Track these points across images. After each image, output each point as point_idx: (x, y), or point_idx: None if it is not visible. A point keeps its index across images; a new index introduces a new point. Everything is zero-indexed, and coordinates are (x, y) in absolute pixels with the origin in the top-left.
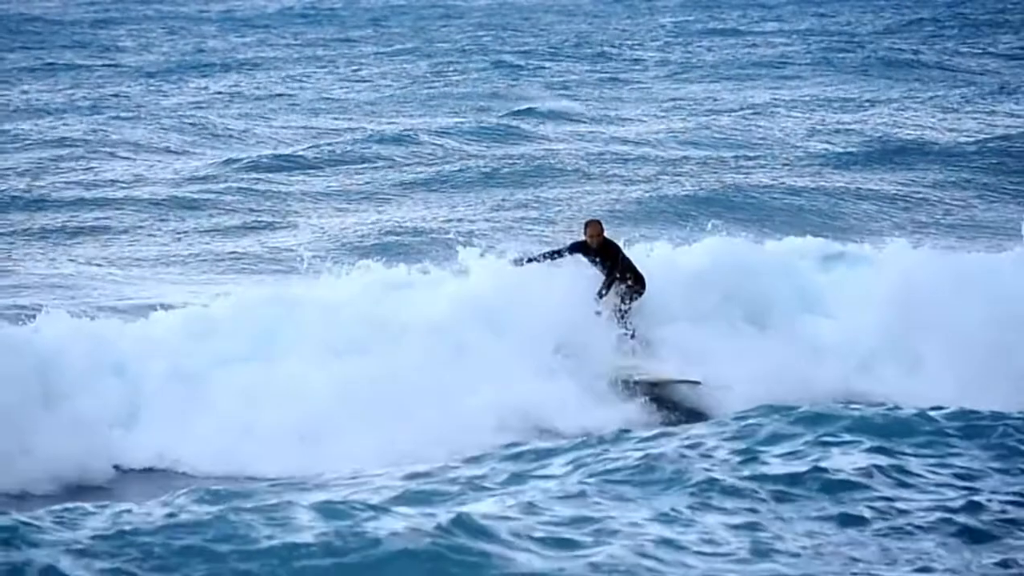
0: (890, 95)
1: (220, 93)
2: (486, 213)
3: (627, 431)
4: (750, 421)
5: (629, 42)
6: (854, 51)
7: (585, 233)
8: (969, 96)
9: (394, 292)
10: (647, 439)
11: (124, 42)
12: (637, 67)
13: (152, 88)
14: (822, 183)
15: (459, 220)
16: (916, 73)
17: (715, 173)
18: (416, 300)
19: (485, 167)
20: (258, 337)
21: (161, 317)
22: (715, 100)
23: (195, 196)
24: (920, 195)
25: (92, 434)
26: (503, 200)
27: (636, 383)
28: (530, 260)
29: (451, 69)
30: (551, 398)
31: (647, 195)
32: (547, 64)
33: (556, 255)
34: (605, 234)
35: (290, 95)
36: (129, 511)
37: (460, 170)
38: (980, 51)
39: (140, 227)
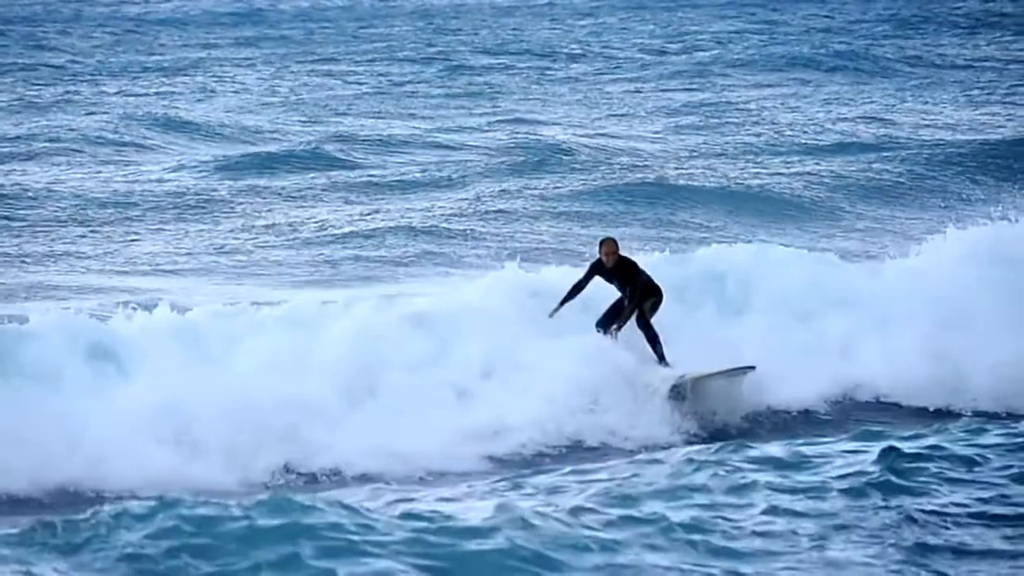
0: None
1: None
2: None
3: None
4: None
5: (584, 43)
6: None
7: (600, 252)
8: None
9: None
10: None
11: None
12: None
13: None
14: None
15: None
16: (858, 70)
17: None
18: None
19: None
20: None
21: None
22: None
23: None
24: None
25: None
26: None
27: (690, 383)
28: (561, 305)
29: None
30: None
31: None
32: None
33: (579, 287)
34: (620, 252)
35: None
36: None
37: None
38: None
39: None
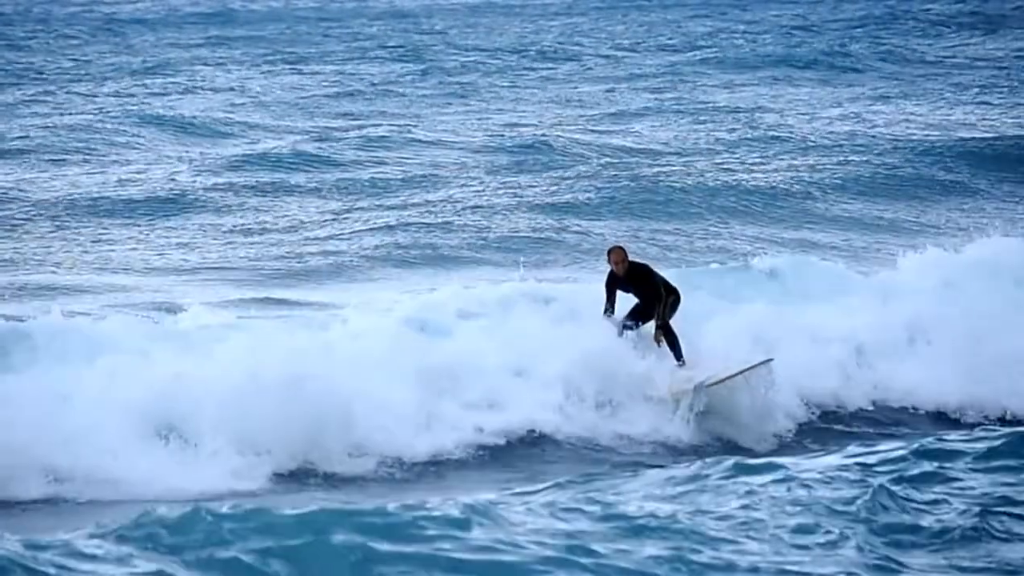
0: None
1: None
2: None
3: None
4: None
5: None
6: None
7: (608, 261)
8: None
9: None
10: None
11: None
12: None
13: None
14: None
15: None
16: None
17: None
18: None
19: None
20: None
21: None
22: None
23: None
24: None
25: None
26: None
27: (707, 388)
28: (616, 323)
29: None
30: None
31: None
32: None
33: (610, 303)
34: (630, 258)
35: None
36: None
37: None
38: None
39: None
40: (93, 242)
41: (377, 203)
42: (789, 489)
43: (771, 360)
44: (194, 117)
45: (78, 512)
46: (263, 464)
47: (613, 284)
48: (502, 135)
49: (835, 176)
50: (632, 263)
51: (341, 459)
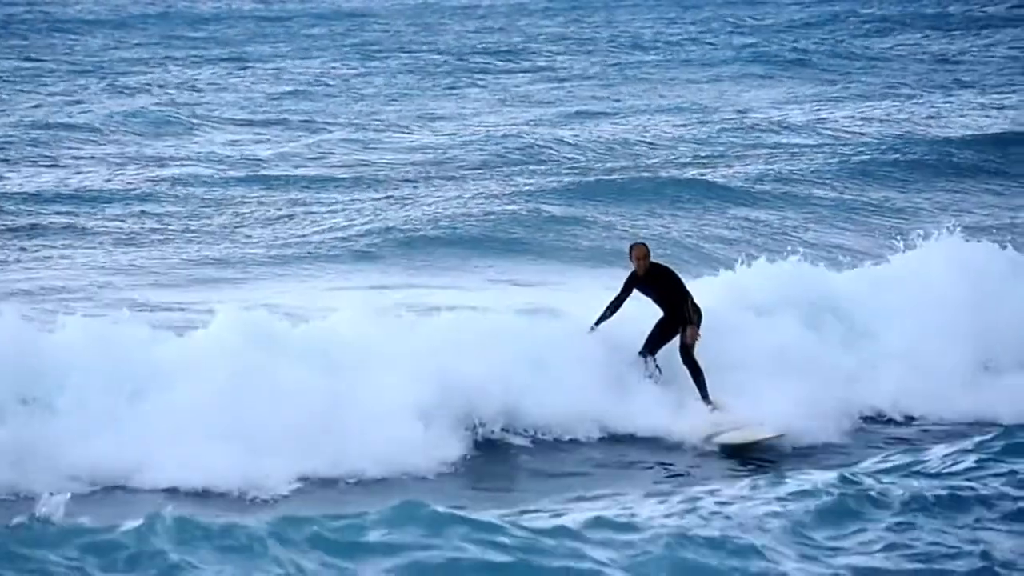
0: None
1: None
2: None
3: None
4: None
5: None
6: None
7: (630, 258)
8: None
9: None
10: None
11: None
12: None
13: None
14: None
15: None
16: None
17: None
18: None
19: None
20: None
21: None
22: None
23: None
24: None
25: None
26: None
27: (717, 447)
28: (599, 322)
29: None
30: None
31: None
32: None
33: (617, 304)
34: (652, 258)
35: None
36: None
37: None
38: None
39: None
40: (31, 238)
41: (324, 201)
42: None
43: (782, 436)
44: (133, 115)
45: None
46: None
47: (631, 284)
48: (455, 134)
49: (810, 170)
50: (655, 264)
51: None
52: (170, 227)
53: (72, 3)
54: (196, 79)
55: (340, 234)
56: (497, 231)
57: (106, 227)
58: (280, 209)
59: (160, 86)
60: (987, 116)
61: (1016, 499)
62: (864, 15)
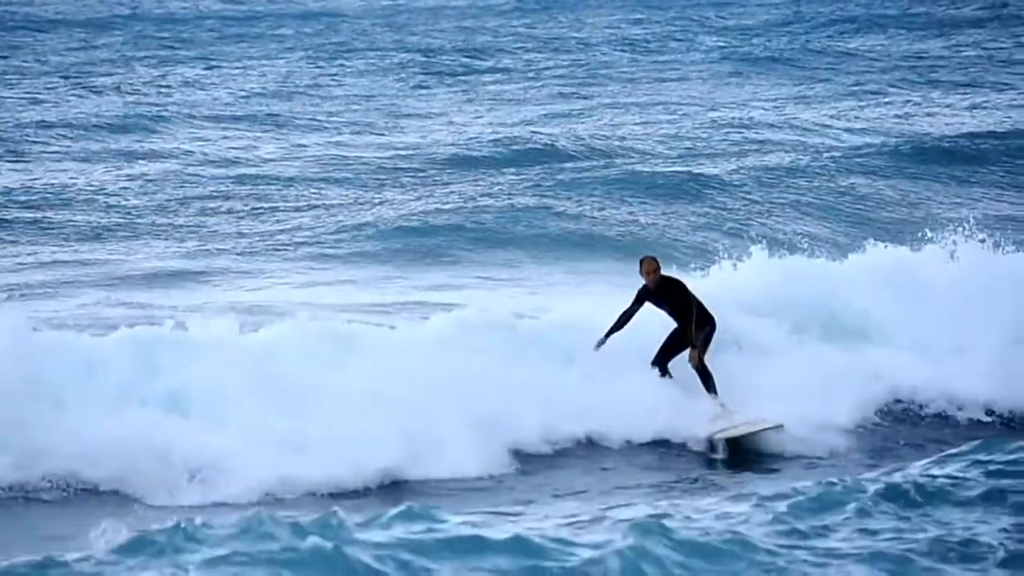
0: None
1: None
2: None
3: None
4: None
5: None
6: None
7: (640, 272)
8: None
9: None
10: None
11: None
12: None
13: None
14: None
15: None
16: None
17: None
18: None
19: None
20: None
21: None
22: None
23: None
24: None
25: None
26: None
27: (723, 442)
28: (607, 336)
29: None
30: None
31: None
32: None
33: (627, 316)
34: (663, 271)
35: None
36: None
37: None
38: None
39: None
40: None
41: (291, 199)
42: None
43: (781, 426)
44: (100, 114)
45: None
46: None
47: (643, 298)
48: (424, 133)
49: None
50: (665, 276)
51: None
52: (138, 222)
53: (39, 3)
54: (164, 79)
55: (308, 233)
56: (471, 225)
57: (74, 222)
58: (247, 206)
59: (129, 85)
60: (956, 115)
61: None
62: (832, 15)
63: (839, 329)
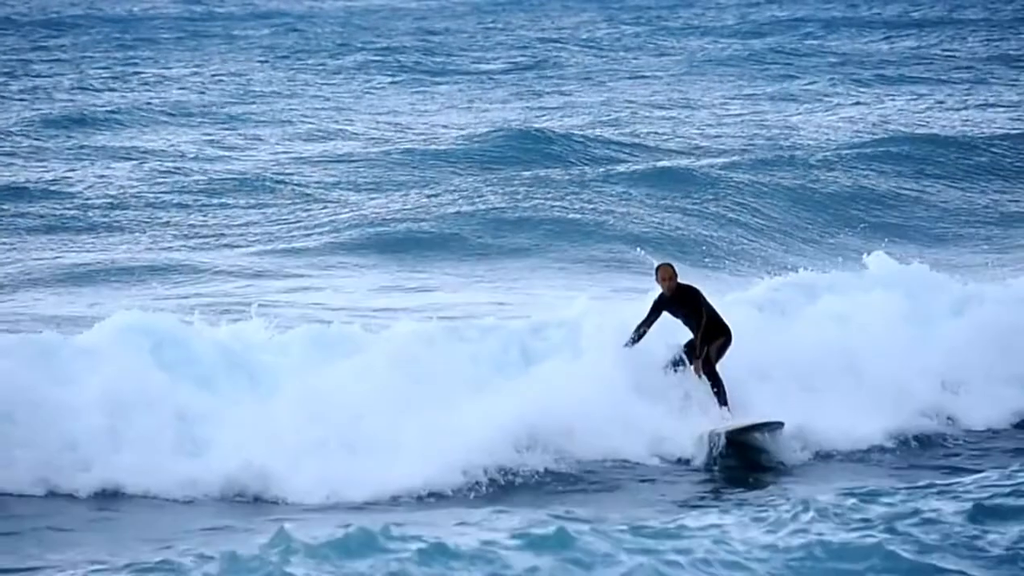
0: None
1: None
2: None
3: None
4: None
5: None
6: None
7: (656, 279)
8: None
9: None
10: None
11: None
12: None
13: None
14: None
15: None
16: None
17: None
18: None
19: None
20: None
21: None
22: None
23: None
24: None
25: None
26: None
27: (720, 436)
28: (634, 342)
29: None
30: None
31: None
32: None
33: (644, 328)
34: (679, 279)
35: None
36: None
37: None
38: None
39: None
40: None
41: (247, 201)
42: None
43: (782, 424)
44: (52, 113)
45: None
46: None
47: (660, 307)
48: (381, 134)
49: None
50: (681, 284)
51: None
52: (90, 218)
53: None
54: (117, 78)
55: (262, 232)
56: (442, 228)
57: (26, 220)
58: (203, 208)
59: (80, 84)
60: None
61: None
62: (807, 17)
63: None
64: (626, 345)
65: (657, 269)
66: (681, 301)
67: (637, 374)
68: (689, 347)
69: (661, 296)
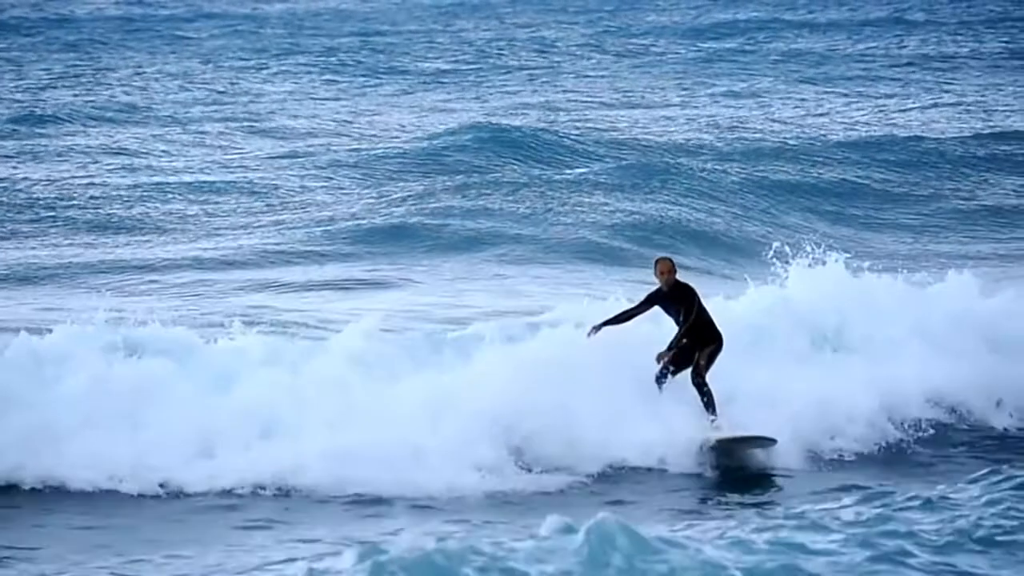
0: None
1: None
2: None
3: None
4: None
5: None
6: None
7: (655, 273)
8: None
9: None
10: None
11: None
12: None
13: None
14: None
15: None
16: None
17: None
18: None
19: None
20: None
21: None
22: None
23: None
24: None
25: None
26: None
27: (712, 446)
28: (604, 324)
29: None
30: None
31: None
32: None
33: (631, 314)
34: (678, 275)
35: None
36: None
37: None
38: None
39: None
40: None
41: (210, 205)
42: None
43: (775, 441)
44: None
45: None
46: None
47: (654, 300)
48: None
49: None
50: (679, 281)
51: None
52: (42, 220)
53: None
54: (69, 81)
55: (218, 235)
56: (414, 226)
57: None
58: (148, 205)
59: (25, 85)
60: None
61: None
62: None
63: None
64: (604, 322)
65: (656, 262)
66: (676, 297)
67: (634, 381)
68: (674, 362)
69: (658, 290)
